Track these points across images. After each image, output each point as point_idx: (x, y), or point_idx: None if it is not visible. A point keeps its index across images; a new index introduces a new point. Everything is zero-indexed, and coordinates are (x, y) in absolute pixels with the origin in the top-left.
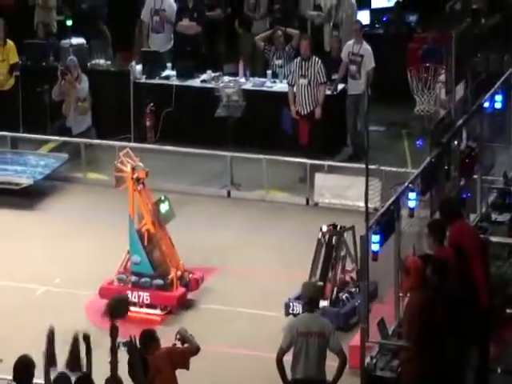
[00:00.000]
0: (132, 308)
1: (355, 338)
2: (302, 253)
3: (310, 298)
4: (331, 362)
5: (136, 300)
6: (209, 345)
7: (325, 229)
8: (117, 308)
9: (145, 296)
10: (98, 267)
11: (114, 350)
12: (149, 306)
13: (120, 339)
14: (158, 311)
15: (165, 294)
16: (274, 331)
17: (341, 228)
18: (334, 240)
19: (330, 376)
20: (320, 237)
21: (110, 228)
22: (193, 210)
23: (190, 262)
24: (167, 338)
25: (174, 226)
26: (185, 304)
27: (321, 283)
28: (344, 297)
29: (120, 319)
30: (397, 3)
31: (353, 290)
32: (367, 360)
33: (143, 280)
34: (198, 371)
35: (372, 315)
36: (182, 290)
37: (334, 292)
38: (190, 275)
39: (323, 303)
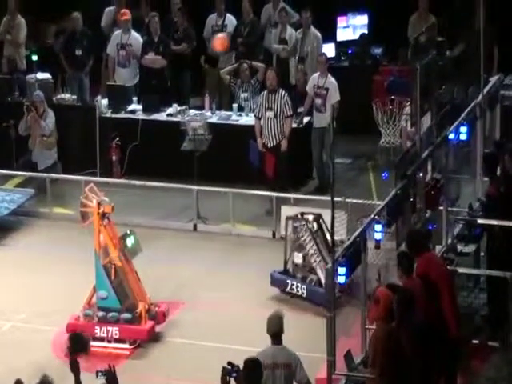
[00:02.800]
0: (99, 343)
1: (322, 371)
2: (269, 286)
3: (274, 332)
4: None
5: (104, 335)
6: (175, 378)
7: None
8: (77, 342)
9: (114, 330)
10: (64, 302)
11: None
12: (117, 340)
13: (99, 368)
14: (126, 345)
15: (134, 328)
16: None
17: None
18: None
19: None
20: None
21: (77, 263)
22: (159, 244)
23: (156, 296)
24: (136, 371)
25: (140, 260)
26: (153, 337)
27: (282, 315)
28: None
29: (82, 354)
30: (362, 36)
31: None
32: None
33: (111, 315)
34: None
35: (339, 347)
36: (150, 323)
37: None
38: (157, 308)
39: None
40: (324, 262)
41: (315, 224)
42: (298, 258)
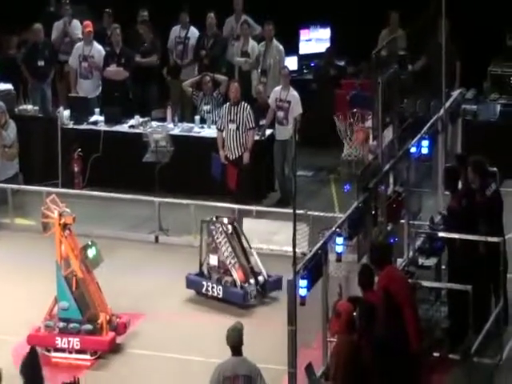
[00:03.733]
0: (60, 354)
1: (283, 383)
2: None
3: (234, 344)
4: None
5: (66, 346)
6: None
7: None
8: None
9: (75, 341)
10: (25, 313)
11: None
12: (78, 351)
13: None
14: (87, 356)
15: (96, 339)
16: (199, 376)
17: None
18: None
19: None
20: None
21: (38, 274)
22: (120, 255)
23: (117, 307)
24: (96, 382)
25: (101, 271)
26: (114, 348)
27: (241, 327)
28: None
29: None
30: (328, 49)
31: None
32: None
33: (72, 325)
34: None
35: (300, 360)
36: (112, 334)
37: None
38: (118, 319)
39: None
40: (239, 263)
41: (230, 227)
42: (213, 260)
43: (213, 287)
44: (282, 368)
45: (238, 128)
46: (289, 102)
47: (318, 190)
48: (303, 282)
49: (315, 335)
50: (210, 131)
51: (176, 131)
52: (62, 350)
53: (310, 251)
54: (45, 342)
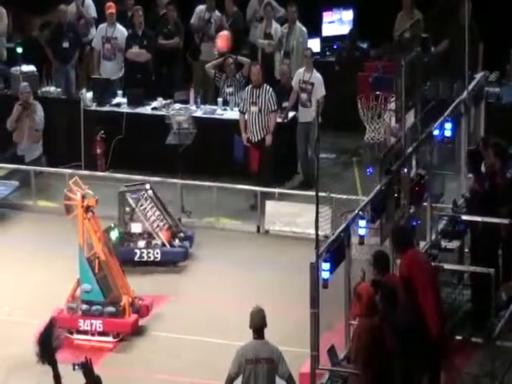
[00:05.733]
0: (83, 336)
1: (305, 365)
2: (252, 280)
3: (257, 327)
4: None
5: (88, 328)
6: (157, 372)
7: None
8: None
9: (97, 324)
10: (48, 295)
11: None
12: (101, 333)
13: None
14: (110, 338)
15: (118, 321)
16: (222, 359)
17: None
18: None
19: None
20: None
21: (61, 256)
22: None
23: (140, 290)
24: (119, 364)
25: None
26: (137, 331)
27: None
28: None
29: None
30: (351, 31)
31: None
32: None
33: (94, 308)
34: None
35: (322, 343)
36: (134, 316)
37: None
38: (140, 302)
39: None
40: (168, 224)
41: (151, 192)
42: (136, 227)
43: (148, 252)
44: (304, 351)
45: (260, 110)
46: (312, 84)
47: (340, 172)
48: (326, 265)
49: (338, 318)
50: (232, 113)
51: (198, 113)
52: (85, 333)
53: (333, 234)
54: (68, 324)
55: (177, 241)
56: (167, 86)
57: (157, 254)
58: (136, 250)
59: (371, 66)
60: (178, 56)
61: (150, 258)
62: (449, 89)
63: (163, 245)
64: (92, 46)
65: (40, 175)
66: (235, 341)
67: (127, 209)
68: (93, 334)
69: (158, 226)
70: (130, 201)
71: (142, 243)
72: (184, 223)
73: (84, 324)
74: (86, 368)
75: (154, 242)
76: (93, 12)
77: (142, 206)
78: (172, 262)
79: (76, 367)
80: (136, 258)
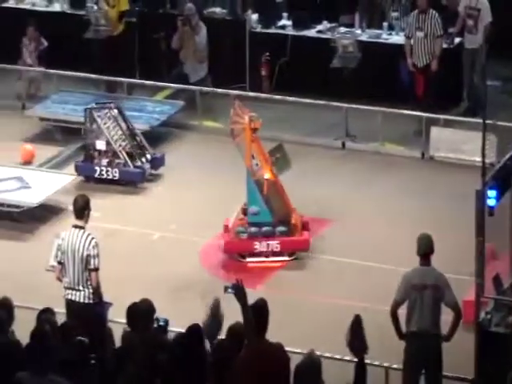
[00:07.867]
0: (255, 258)
1: (470, 293)
2: (416, 206)
3: (424, 252)
4: (445, 316)
5: (264, 249)
6: (321, 295)
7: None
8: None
9: (274, 244)
10: (213, 215)
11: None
12: (276, 253)
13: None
14: (285, 257)
15: (295, 239)
16: (386, 284)
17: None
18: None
19: (444, 330)
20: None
21: (227, 177)
22: (306, 161)
23: (304, 213)
24: (287, 283)
25: (286, 175)
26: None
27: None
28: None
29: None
30: None
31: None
32: (482, 315)
33: (264, 229)
34: (308, 321)
35: (487, 271)
36: (306, 233)
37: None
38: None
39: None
40: (129, 144)
41: (116, 111)
42: (100, 145)
43: (107, 171)
44: (467, 278)
45: (426, 36)
46: (478, 10)
47: (506, 100)
48: (492, 193)
49: (503, 247)
50: (397, 38)
51: (364, 37)
52: (258, 255)
53: (499, 162)
54: (243, 248)
55: (143, 160)
56: (332, 10)
57: (115, 172)
58: (96, 168)
59: None
60: None
61: (108, 176)
62: None
63: (124, 165)
64: None
65: (205, 96)
66: (400, 266)
67: (94, 126)
68: (267, 256)
69: (120, 145)
70: (96, 117)
71: (104, 161)
72: (348, 147)
73: (260, 246)
74: (238, 289)
75: (116, 161)
76: None
77: (105, 124)
78: (131, 182)
79: (228, 290)
80: (96, 175)
